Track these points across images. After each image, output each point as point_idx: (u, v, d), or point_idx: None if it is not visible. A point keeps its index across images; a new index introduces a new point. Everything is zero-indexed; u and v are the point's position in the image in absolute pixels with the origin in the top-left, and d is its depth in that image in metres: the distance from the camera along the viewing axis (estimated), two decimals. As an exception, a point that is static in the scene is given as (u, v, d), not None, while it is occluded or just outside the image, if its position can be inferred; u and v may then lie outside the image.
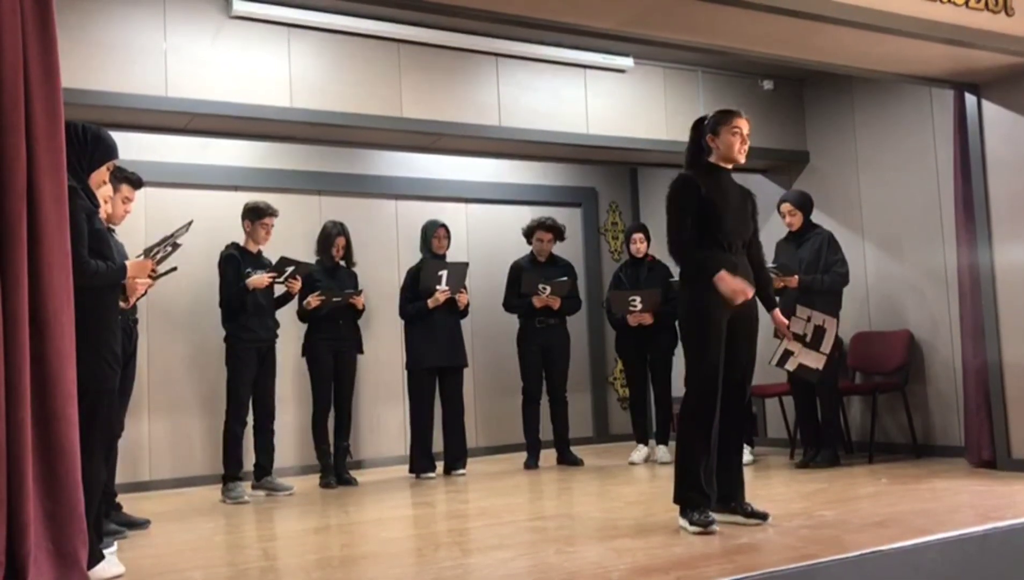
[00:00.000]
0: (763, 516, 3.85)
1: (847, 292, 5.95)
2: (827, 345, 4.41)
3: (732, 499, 3.88)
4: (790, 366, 4.48)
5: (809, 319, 4.47)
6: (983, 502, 4.25)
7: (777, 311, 4.17)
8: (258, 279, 5.56)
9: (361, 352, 6.19)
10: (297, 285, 5.80)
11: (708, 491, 3.79)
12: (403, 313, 6.34)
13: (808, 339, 4.42)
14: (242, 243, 5.74)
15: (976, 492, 4.56)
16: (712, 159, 4.02)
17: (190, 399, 6.36)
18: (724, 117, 4.00)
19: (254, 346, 5.58)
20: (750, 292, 3.82)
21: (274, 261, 5.72)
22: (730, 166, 4.06)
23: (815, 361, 4.41)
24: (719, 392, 3.83)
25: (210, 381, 6.24)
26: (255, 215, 5.72)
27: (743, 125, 3.99)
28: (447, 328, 6.25)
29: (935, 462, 5.72)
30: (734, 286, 3.75)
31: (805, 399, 5.91)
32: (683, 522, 3.78)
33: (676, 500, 3.84)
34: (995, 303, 5.30)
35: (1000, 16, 4.76)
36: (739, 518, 3.84)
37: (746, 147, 4.01)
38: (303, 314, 6.01)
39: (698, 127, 4.09)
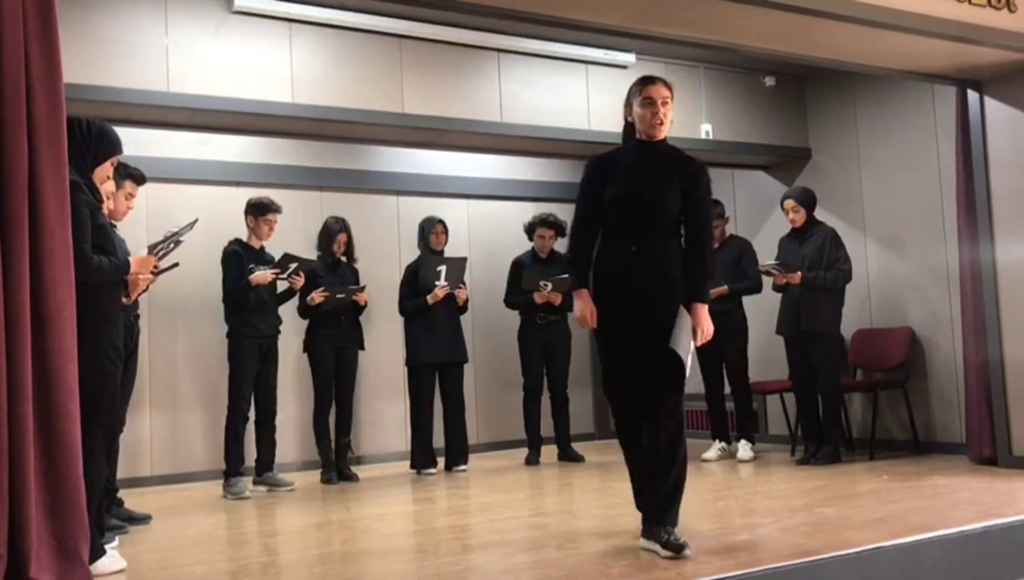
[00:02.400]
0: (681, 548, 3.23)
1: (849, 289, 5.95)
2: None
3: (656, 522, 3.35)
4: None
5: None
6: (984, 499, 4.25)
7: (700, 308, 3.41)
8: (261, 275, 5.56)
9: (362, 348, 6.19)
10: (300, 282, 5.80)
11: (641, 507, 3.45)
12: (403, 309, 6.34)
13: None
14: (245, 239, 5.74)
15: (977, 489, 4.56)
16: (638, 134, 3.55)
17: (191, 394, 6.36)
18: (635, 87, 3.54)
19: (257, 342, 5.58)
20: (590, 326, 3.45)
21: (277, 257, 5.72)
22: (657, 140, 3.52)
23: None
24: (628, 395, 3.42)
25: (211, 376, 6.24)
26: (259, 211, 5.72)
27: (655, 93, 3.46)
28: (447, 324, 6.25)
29: (936, 459, 5.72)
30: (581, 313, 3.45)
31: (806, 396, 5.91)
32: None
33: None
34: (996, 300, 5.30)
35: (1003, 13, 4.75)
36: (656, 546, 3.29)
37: (663, 119, 3.46)
38: (304, 310, 6.01)
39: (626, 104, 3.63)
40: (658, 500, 3.38)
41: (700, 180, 3.49)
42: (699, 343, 3.44)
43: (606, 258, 3.49)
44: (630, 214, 3.44)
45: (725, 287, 6.11)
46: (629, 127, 3.59)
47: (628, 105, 3.55)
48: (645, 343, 3.38)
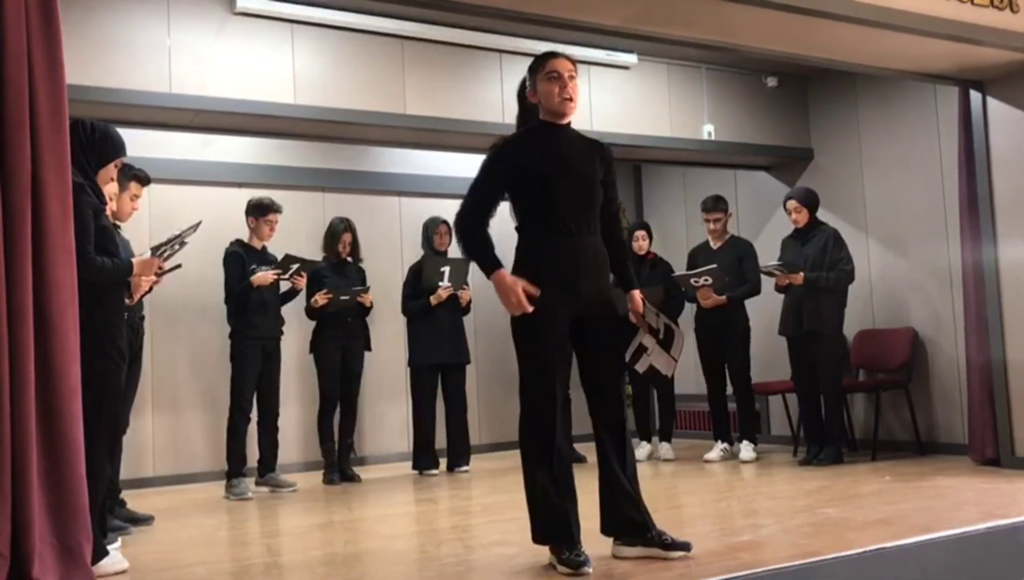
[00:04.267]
0: (685, 547, 3.20)
1: (851, 289, 5.94)
2: (676, 350, 3.78)
3: (645, 529, 3.24)
4: (641, 366, 3.78)
5: (658, 316, 3.78)
6: (987, 500, 4.25)
7: (636, 293, 3.44)
8: (262, 276, 5.56)
9: (369, 349, 6.19)
10: (302, 283, 5.80)
11: (566, 525, 3.17)
12: (405, 310, 6.34)
13: (661, 337, 3.75)
14: (246, 240, 5.75)
15: (980, 490, 4.56)
16: (542, 116, 3.27)
17: (193, 395, 6.37)
18: (536, 63, 3.26)
19: (259, 343, 5.58)
20: (523, 310, 3.11)
21: (278, 258, 5.73)
22: (564, 121, 3.26)
23: (666, 365, 3.77)
24: (557, 402, 3.17)
25: (213, 377, 6.24)
26: (259, 211, 5.72)
27: (560, 67, 3.19)
28: (449, 325, 6.25)
29: (939, 460, 5.71)
30: (509, 298, 3.11)
31: (808, 396, 5.91)
32: (552, 559, 3.21)
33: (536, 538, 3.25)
34: (999, 300, 5.29)
35: (1005, 13, 4.75)
36: (656, 550, 3.20)
37: (572, 95, 3.20)
38: (311, 312, 6.02)
39: (521, 91, 3.35)
40: (633, 504, 3.26)
41: (613, 165, 3.33)
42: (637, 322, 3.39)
43: (537, 250, 3.19)
44: (566, 202, 3.16)
45: (724, 297, 6.12)
46: (529, 110, 3.30)
47: (532, 86, 3.26)
48: (595, 351, 3.25)
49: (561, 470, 3.20)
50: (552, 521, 3.18)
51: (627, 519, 3.25)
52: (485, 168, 3.26)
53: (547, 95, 3.21)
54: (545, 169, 3.17)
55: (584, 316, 3.22)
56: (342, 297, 5.93)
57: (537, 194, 3.18)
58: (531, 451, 3.20)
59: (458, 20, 5.56)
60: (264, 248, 5.78)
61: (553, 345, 3.16)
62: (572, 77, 3.21)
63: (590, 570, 3.05)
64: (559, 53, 3.26)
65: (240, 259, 5.63)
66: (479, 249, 3.21)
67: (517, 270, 3.22)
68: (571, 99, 3.20)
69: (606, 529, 3.33)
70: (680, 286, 6.29)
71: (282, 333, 5.77)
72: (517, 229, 3.31)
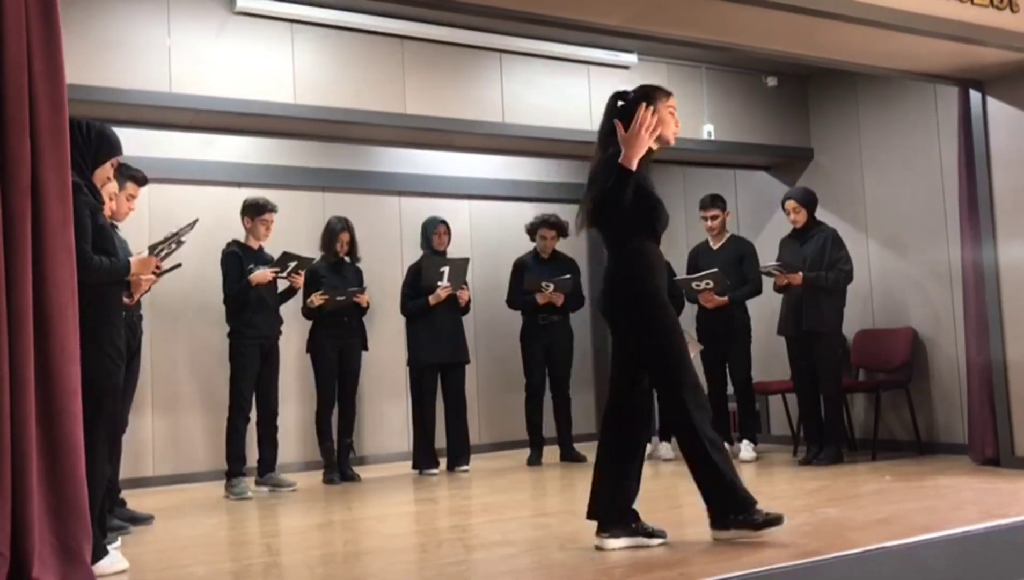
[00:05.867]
0: (662, 534, 3.46)
1: (851, 289, 5.94)
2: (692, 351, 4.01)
3: (633, 518, 3.46)
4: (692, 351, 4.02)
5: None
6: (986, 500, 4.25)
7: None
8: (260, 274, 5.56)
9: (366, 349, 6.19)
10: (300, 280, 5.80)
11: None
12: (405, 310, 6.34)
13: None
14: (243, 240, 5.75)
15: (980, 490, 4.56)
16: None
17: (193, 395, 6.37)
18: (657, 94, 3.54)
19: (257, 342, 5.58)
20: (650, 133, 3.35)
21: (276, 257, 5.73)
22: (656, 148, 3.55)
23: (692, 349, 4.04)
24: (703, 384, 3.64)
25: (213, 377, 6.24)
26: (255, 211, 5.72)
27: (674, 104, 3.60)
28: (449, 325, 6.25)
29: (939, 460, 5.71)
30: (641, 136, 3.32)
31: (808, 396, 5.91)
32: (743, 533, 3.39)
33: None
34: (999, 300, 5.29)
35: (1005, 13, 4.75)
36: (640, 539, 3.43)
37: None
38: (307, 312, 6.02)
39: (614, 106, 3.58)
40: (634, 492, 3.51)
41: None
42: None
43: (654, 257, 3.52)
44: (660, 226, 3.57)
45: (725, 298, 6.12)
46: (612, 132, 3.48)
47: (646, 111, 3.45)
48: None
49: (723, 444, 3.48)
50: (740, 493, 3.38)
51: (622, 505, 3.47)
52: (613, 170, 3.42)
53: (668, 124, 3.51)
54: (653, 189, 3.53)
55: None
56: (338, 297, 5.93)
57: (649, 209, 3.50)
58: (702, 433, 3.38)
59: (458, 20, 5.56)
60: (261, 248, 5.78)
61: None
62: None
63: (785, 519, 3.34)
64: (669, 91, 3.61)
65: (238, 260, 5.63)
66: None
67: (635, 272, 3.47)
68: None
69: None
70: (681, 288, 6.30)
71: (280, 332, 5.77)
72: (619, 239, 3.52)
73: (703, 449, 3.36)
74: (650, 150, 3.49)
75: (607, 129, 3.52)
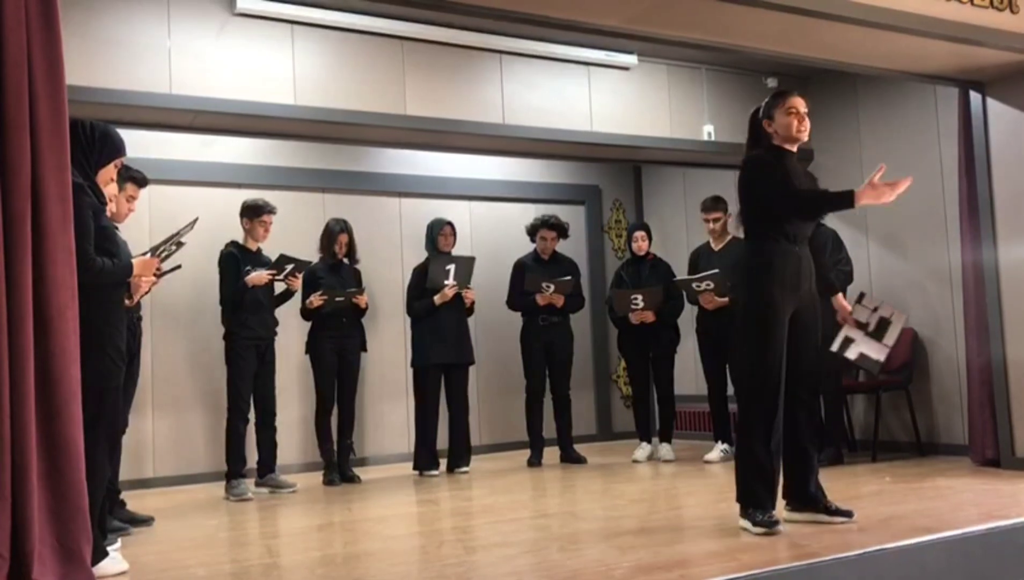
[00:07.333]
0: (848, 514, 3.75)
1: (850, 290, 5.93)
2: (891, 337, 4.33)
3: (818, 498, 3.77)
4: (851, 354, 4.42)
5: (876, 309, 4.41)
6: (987, 501, 4.24)
7: (839, 296, 4.22)
8: (257, 276, 5.56)
9: (365, 350, 6.19)
10: (297, 282, 5.80)
11: (771, 491, 3.65)
12: (411, 311, 6.33)
13: (871, 329, 4.35)
14: (241, 241, 5.75)
15: (980, 491, 4.55)
16: (776, 142, 3.86)
17: (193, 396, 6.37)
18: (777, 98, 3.87)
19: (253, 343, 5.58)
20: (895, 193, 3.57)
21: (274, 259, 5.73)
22: (794, 148, 3.88)
23: (877, 352, 4.33)
24: (782, 386, 3.68)
25: (213, 378, 6.24)
26: (253, 213, 5.72)
27: (799, 104, 3.82)
28: (454, 325, 6.24)
29: (939, 461, 5.71)
30: (881, 192, 3.54)
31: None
32: (744, 522, 3.65)
33: (739, 499, 3.71)
34: (999, 301, 5.29)
35: (1005, 14, 4.75)
36: (823, 516, 3.75)
37: (806, 125, 3.84)
38: (306, 313, 6.01)
39: (754, 118, 3.97)
40: (813, 475, 3.81)
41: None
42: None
43: (781, 253, 3.69)
44: (796, 222, 3.74)
45: (726, 299, 6.12)
46: (761, 133, 3.89)
47: (768, 116, 3.85)
48: (801, 341, 3.74)
49: (777, 443, 3.67)
50: (754, 487, 3.63)
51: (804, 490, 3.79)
52: (771, 172, 3.75)
53: (785, 126, 3.79)
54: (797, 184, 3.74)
55: (797, 310, 3.75)
56: (337, 298, 5.92)
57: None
58: (755, 426, 3.64)
59: (458, 21, 5.56)
60: (259, 249, 5.77)
61: (782, 334, 3.68)
62: (805, 113, 3.81)
63: (782, 529, 3.57)
64: (797, 92, 3.86)
65: (235, 261, 5.62)
66: (818, 196, 3.79)
67: (753, 272, 3.72)
68: (803, 131, 3.81)
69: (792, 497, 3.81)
70: (681, 289, 6.29)
71: (276, 333, 5.76)
72: (750, 234, 3.80)
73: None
74: (784, 149, 3.81)
75: (748, 142, 3.97)
